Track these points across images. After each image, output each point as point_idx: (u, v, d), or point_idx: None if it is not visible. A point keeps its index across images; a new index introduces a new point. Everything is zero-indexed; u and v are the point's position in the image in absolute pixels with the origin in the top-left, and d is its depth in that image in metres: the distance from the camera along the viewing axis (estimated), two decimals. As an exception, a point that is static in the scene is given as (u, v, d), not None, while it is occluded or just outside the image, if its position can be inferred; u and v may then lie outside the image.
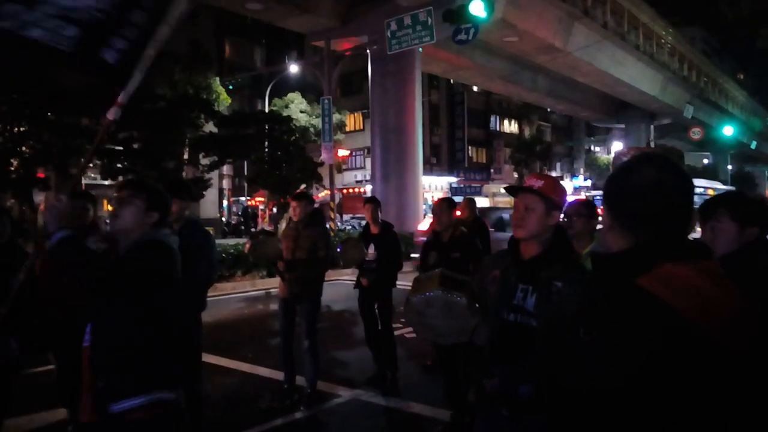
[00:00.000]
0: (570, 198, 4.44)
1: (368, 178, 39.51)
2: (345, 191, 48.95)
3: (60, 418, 5.79)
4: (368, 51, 27.26)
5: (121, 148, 19.77)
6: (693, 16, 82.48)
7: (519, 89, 43.71)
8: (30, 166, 17.69)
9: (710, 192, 24.64)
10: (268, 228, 22.75)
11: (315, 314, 7.00)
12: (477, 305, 2.99)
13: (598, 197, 24.90)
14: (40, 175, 19.25)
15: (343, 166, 48.74)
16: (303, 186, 24.09)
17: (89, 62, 3.21)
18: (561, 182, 3.25)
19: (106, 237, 4.76)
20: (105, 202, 24.15)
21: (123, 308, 3.04)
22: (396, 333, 8.19)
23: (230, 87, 29.48)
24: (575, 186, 56.03)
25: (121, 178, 20.19)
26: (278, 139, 24.62)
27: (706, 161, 74.12)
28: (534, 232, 3.01)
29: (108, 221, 3.80)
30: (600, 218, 4.46)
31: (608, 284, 1.65)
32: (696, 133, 47.07)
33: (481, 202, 52.55)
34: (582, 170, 69.45)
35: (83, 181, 24.66)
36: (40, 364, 6.14)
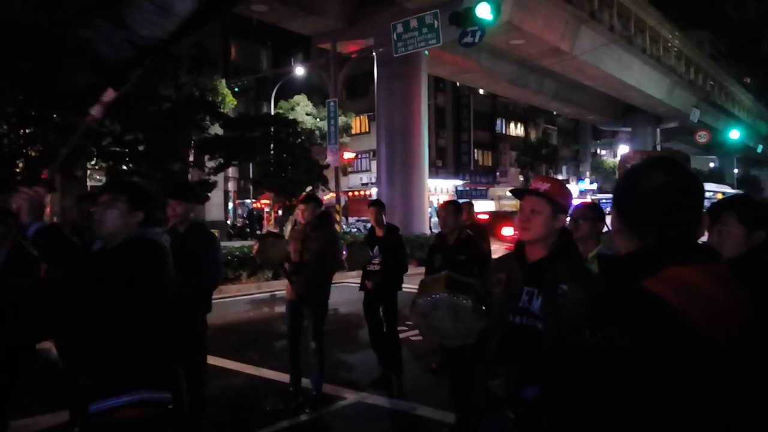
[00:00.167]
0: (576, 201, 4.44)
1: (374, 180, 39.50)
2: (350, 194, 48.94)
3: (65, 419, 5.79)
4: (374, 53, 27.28)
5: (126, 150, 19.78)
6: (700, 19, 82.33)
7: (525, 92, 43.67)
8: (35, 168, 17.70)
9: (719, 196, 24.62)
10: (273, 230, 22.77)
11: (322, 317, 6.99)
12: (483, 308, 2.99)
13: (604, 200, 24.97)
14: (44, 176, 19.28)
15: (349, 169, 48.71)
16: (309, 188, 24.07)
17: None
18: (567, 185, 3.24)
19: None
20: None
21: (106, 304, 2.98)
22: (401, 336, 8.18)
23: (236, 89, 29.50)
24: (581, 189, 56.13)
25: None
26: (284, 141, 24.60)
27: (712, 165, 74.01)
28: (540, 235, 3.00)
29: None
30: (608, 221, 4.45)
31: (615, 286, 1.65)
32: (702, 137, 46.98)
33: (487, 205, 52.62)
34: (588, 173, 69.38)
35: (88, 183, 24.74)
36: (45, 365, 6.15)
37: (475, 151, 56.86)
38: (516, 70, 36.66)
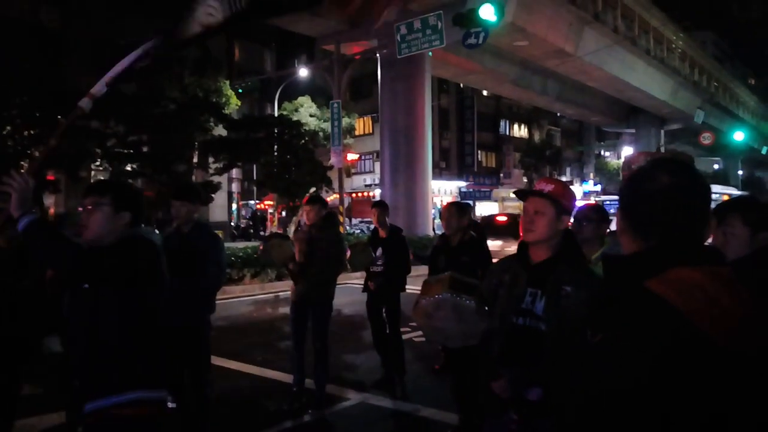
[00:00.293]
0: (579, 203, 4.44)
1: (377, 182, 39.54)
2: (354, 195, 48.96)
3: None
4: (378, 55, 27.30)
5: (130, 151, 19.84)
6: (704, 20, 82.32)
7: (529, 93, 43.65)
8: (40, 169, 17.75)
9: (725, 197, 24.57)
10: (278, 231, 22.77)
11: (327, 317, 7.00)
12: (486, 308, 2.99)
13: (608, 202, 24.95)
14: (50, 177, 19.34)
15: (353, 170, 48.75)
16: (312, 190, 24.10)
17: None
18: (571, 187, 3.24)
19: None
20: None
21: (102, 302, 2.92)
22: (405, 337, 8.19)
23: (240, 90, 29.51)
24: (585, 191, 56.05)
25: (130, 182, 20.24)
26: (288, 142, 24.65)
27: (716, 166, 73.88)
28: (543, 236, 3.01)
29: None
30: (614, 222, 4.45)
31: (618, 287, 1.65)
32: (706, 138, 46.87)
33: (491, 206, 52.65)
34: (592, 175, 69.33)
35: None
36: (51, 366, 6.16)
37: (479, 152, 56.82)
38: (520, 71, 36.66)
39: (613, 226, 3.37)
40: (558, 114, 62.57)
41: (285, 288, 14.16)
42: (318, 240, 6.81)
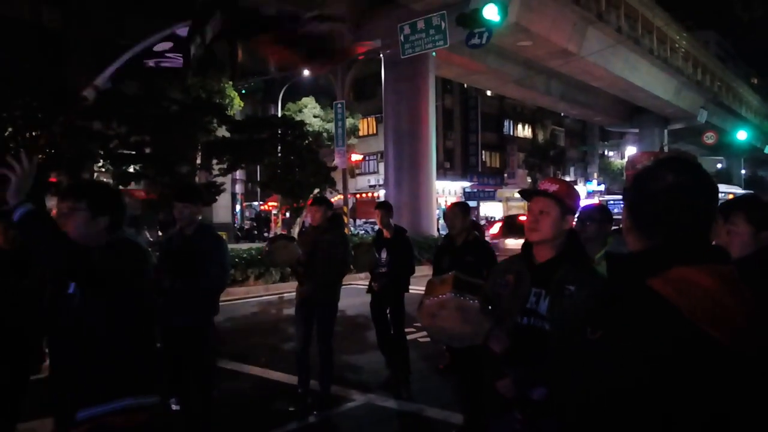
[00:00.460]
0: (584, 203, 4.43)
1: (381, 182, 39.51)
2: (358, 196, 49.00)
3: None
4: (381, 55, 27.28)
5: (133, 152, 19.83)
6: (707, 20, 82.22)
7: (532, 93, 43.58)
8: (42, 171, 17.75)
9: (730, 196, 24.51)
10: (282, 232, 22.76)
11: (332, 318, 7.01)
12: (490, 308, 2.98)
13: (612, 202, 24.89)
14: (52, 179, 19.35)
15: (357, 171, 48.78)
16: (316, 190, 24.09)
17: None
18: (575, 187, 3.24)
19: None
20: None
21: (86, 306, 2.83)
22: (409, 337, 8.19)
23: (243, 91, 29.52)
24: (589, 191, 55.96)
25: (133, 183, 20.25)
26: (291, 143, 24.61)
27: (719, 166, 73.76)
28: (548, 235, 3.00)
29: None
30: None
31: (621, 285, 1.65)
32: (710, 138, 46.83)
33: (495, 206, 52.62)
34: (596, 175, 69.25)
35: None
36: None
37: (483, 152, 56.79)
38: (523, 71, 36.59)
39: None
40: (562, 114, 62.47)
41: (289, 289, 14.16)
42: (323, 241, 6.82)
